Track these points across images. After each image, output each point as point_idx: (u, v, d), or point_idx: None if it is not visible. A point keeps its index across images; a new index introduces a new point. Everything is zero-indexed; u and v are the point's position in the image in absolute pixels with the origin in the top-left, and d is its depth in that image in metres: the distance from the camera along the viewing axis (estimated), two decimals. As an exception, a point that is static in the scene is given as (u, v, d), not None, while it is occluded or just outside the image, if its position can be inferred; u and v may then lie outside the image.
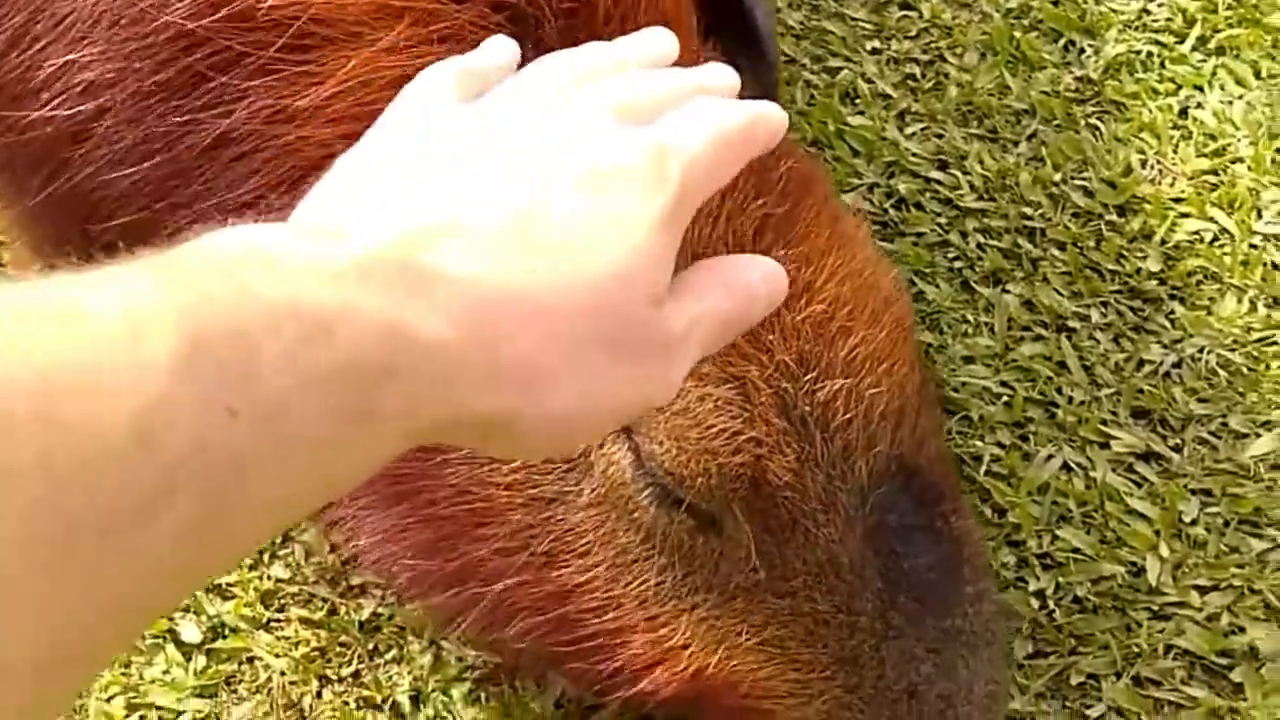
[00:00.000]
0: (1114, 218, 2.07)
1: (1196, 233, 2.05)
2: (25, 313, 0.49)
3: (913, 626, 1.28)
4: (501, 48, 0.77)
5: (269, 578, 1.70)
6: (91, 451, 0.48)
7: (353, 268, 0.59)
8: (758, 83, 1.24)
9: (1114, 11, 2.37)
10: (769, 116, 0.75)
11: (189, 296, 0.52)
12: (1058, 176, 2.11)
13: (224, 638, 1.65)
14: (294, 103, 1.16)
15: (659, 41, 0.80)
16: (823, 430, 1.22)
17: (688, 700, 1.32)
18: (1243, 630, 1.64)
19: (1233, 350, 1.91)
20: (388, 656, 1.64)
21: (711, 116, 0.72)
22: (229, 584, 1.70)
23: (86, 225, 1.33)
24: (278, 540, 1.73)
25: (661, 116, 0.72)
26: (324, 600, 1.68)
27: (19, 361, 0.47)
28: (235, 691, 1.63)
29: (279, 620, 1.67)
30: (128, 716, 1.58)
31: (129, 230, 1.29)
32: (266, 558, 1.72)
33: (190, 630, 1.65)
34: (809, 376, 1.21)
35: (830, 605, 1.26)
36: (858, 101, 2.23)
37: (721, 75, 0.79)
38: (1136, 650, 1.62)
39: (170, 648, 1.64)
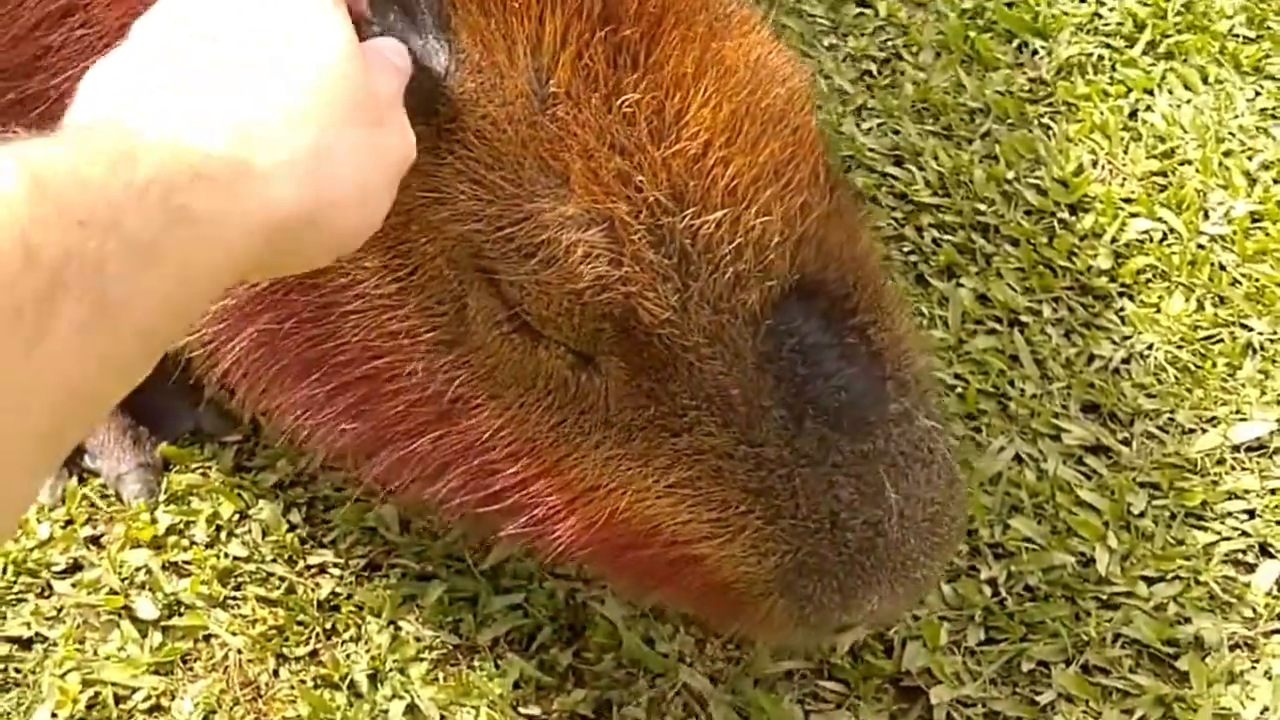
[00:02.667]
0: (1066, 215, 2.10)
1: (1146, 232, 2.09)
2: None
3: (825, 452, 1.22)
4: None
5: (226, 555, 1.69)
6: None
7: (126, 117, 0.76)
8: None
9: (1066, 14, 2.41)
10: None
11: (13, 152, 0.67)
12: (1011, 174, 2.14)
13: (180, 615, 1.64)
14: None
15: None
16: (708, 263, 1.17)
17: (621, 558, 1.30)
18: (1189, 620, 1.67)
19: (1180, 347, 1.94)
20: (345, 635, 1.64)
21: None
22: (185, 561, 1.69)
23: None
24: (235, 518, 1.73)
25: None
26: (281, 579, 1.68)
27: None
28: (191, 669, 1.62)
29: (236, 598, 1.67)
30: (82, 692, 1.57)
31: None
32: (224, 535, 1.71)
33: (146, 607, 1.64)
34: (687, 211, 1.15)
35: (730, 439, 1.21)
36: (815, 97, 2.25)
37: None
38: (1085, 638, 1.65)
39: (126, 624, 1.63)
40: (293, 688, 1.60)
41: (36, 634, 1.63)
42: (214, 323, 1.29)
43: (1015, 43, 2.37)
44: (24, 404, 0.64)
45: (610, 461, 1.24)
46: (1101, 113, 2.25)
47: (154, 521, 1.72)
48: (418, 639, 1.64)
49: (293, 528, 1.72)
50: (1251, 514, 1.79)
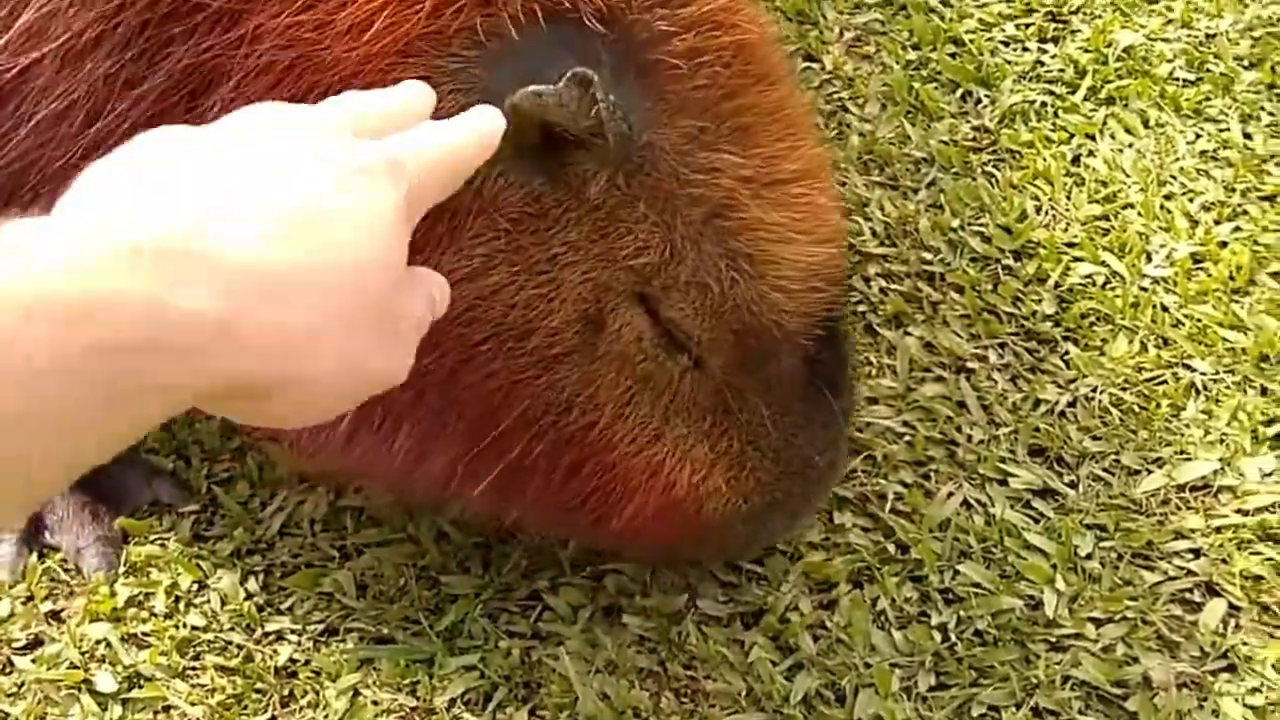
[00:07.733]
0: (1010, 262, 2.14)
1: (1089, 276, 2.12)
2: None
3: (821, 411, 1.58)
4: None
5: (185, 625, 1.71)
6: None
7: (120, 253, 0.69)
8: None
9: (1009, 63, 2.46)
10: (484, 131, 0.93)
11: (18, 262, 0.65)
12: (956, 223, 2.18)
13: (140, 687, 1.66)
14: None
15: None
16: (811, 288, 1.49)
17: (655, 523, 1.55)
18: (1137, 661, 1.70)
19: (1124, 389, 1.98)
20: (303, 701, 1.66)
21: (438, 134, 0.90)
22: (145, 633, 1.71)
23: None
24: (193, 588, 1.75)
25: (391, 134, 0.87)
26: (239, 647, 1.70)
27: None
28: (151, 740, 1.64)
29: (195, 668, 1.69)
30: (43, 767, 1.59)
31: None
32: (183, 606, 1.73)
33: (106, 680, 1.65)
34: (811, 247, 1.48)
35: (774, 409, 1.54)
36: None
37: (420, 94, 0.96)
38: (1035, 681, 1.67)
39: (86, 698, 1.64)
40: (252, 755, 1.62)
41: (-2, 710, 1.65)
42: None
43: (959, 92, 2.41)
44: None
45: (680, 441, 1.51)
46: (1044, 159, 2.29)
47: (113, 594, 1.74)
48: (375, 702, 1.66)
49: (250, 596, 1.74)
50: (1197, 553, 1.81)
